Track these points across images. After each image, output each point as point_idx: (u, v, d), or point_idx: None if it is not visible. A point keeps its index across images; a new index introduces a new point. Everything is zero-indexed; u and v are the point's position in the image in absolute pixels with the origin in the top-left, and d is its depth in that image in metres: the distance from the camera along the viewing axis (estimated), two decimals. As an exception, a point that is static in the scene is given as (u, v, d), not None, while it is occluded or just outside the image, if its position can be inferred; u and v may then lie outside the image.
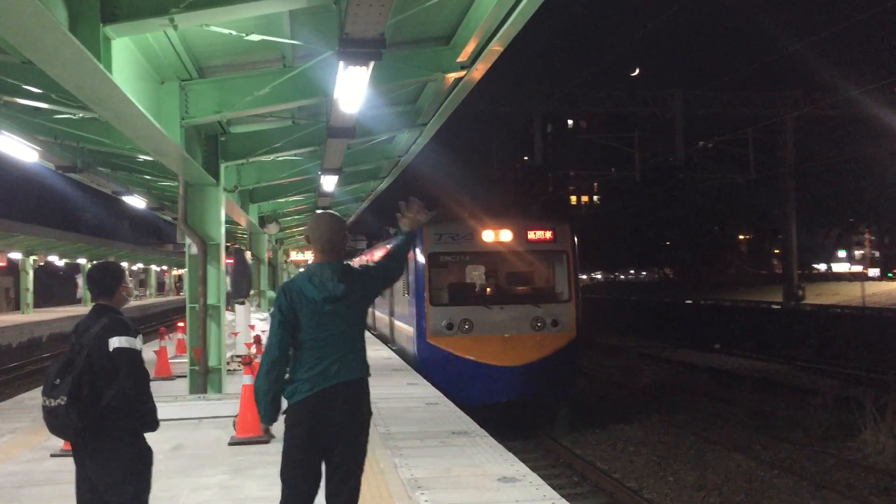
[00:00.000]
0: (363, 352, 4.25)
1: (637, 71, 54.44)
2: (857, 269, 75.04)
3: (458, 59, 8.81)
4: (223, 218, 11.46)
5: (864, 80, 30.55)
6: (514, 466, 7.06)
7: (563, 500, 5.99)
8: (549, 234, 14.84)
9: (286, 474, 4.06)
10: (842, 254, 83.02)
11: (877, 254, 74.80)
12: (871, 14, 31.64)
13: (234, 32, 7.19)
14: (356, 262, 29.85)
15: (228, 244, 19.31)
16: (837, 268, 78.06)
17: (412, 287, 14.88)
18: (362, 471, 4.17)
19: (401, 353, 16.74)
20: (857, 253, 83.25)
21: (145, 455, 4.16)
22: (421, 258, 14.49)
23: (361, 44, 6.22)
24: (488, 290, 14.98)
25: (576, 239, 15.08)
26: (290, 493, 4.05)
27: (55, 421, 3.90)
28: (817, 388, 18.47)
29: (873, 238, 75.48)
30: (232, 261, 16.87)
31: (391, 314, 19.49)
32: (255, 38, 7.34)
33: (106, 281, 4.26)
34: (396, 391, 11.70)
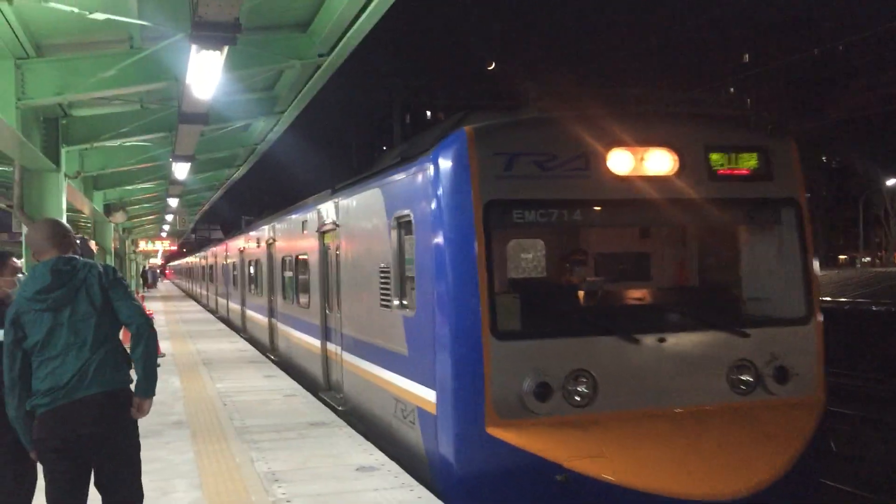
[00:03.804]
0: (117, 359, 3.90)
1: (493, 65, 55.59)
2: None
3: (317, 48, 8.73)
4: (64, 205, 10.89)
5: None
6: (374, 455, 7.08)
7: (422, 486, 6.08)
8: (755, 161, 6.55)
9: (47, 491, 3.77)
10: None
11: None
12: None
13: (76, 10, 6.82)
14: (211, 253, 28.69)
15: (71, 233, 18.31)
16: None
17: (429, 288, 6.21)
18: (135, 476, 3.98)
19: (380, 439, 7.59)
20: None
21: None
22: (458, 216, 5.90)
23: (215, 27, 6.04)
24: (622, 295, 7.42)
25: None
26: None
27: None
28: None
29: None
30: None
31: (327, 337, 9.94)
32: (99, 16, 6.99)
33: None
34: (252, 383, 11.46)
